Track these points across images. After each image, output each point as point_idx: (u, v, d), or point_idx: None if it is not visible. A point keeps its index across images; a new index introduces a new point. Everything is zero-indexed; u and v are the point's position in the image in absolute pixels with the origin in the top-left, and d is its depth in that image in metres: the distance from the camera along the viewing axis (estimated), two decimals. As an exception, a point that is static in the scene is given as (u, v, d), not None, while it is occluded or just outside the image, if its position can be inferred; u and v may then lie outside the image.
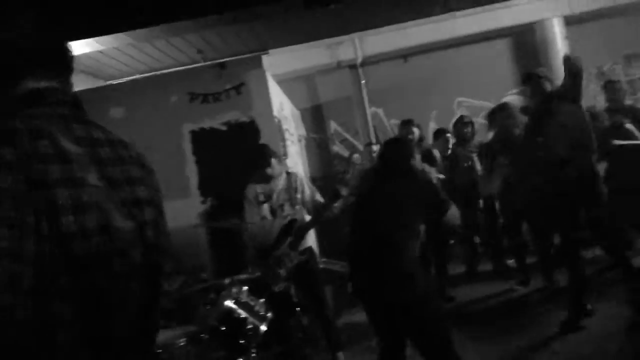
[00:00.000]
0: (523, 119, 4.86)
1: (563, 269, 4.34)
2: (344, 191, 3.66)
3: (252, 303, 3.32)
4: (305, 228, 3.77)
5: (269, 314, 3.32)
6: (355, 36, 7.39)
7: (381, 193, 2.88)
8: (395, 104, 7.66)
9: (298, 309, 3.55)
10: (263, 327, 3.22)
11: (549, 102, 4.02)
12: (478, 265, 5.90)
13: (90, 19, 4.16)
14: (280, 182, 3.92)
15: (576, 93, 3.94)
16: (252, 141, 4.76)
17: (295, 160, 5.82)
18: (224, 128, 4.97)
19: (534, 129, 4.14)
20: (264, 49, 6.28)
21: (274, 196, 3.90)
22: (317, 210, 3.82)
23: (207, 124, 4.96)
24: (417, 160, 3.12)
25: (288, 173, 4.03)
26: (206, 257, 4.73)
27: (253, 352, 3.11)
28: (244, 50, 6.27)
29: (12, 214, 0.86)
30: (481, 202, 5.56)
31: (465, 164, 5.38)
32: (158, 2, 4.33)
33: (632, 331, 3.63)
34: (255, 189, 3.94)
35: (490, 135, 5.24)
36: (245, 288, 3.41)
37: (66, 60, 1.14)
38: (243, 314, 3.20)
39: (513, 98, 7.45)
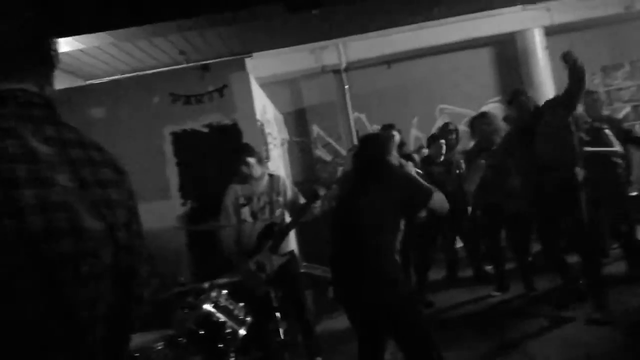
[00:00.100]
0: (503, 126, 4.95)
1: (543, 275, 4.43)
2: (322, 191, 3.61)
3: (231, 307, 3.29)
4: (285, 230, 3.73)
5: (248, 318, 3.30)
6: (340, 41, 7.43)
7: (360, 193, 2.82)
8: (378, 110, 7.71)
9: (278, 313, 3.53)
10: (242, 332, 3.20)
11: (536, 117, 4.11)
12: (457, 270, 5.96)
13: (71, 17, 4.11)
14: (262, 185, 3.89)
15: (576, 101, 4.11)
16: (234, 144, 4.74)
17: (278, 163, 5.81)
18: (205, 130, 4.94)
19: (519, 141, 4.21)
20: (248, 52, 6.28)
21: (255, 199, 3.87)
22: (295, 211, 3.79)
23: (189, 125, 4.93)
24: (395, 157, 3.05)
25: (270, 175, 4.00)
26: (185, 260, 4.70)
27: (232, 357, 3.09)
28: (227, 53, 6.26)
29: None
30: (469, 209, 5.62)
31: (458, 171, 5.44)
32: (141, 1, 4.30)
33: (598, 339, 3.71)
34: (236, 191, 3.91)
35: (472, 143, 5.32)
36: (224, 292, 3.38)
37: (46, 59, 1.13)
38: (222, 318, 3.17)
39: (494, 106, 7.58)
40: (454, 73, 7.90)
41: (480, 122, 4.92)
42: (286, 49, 7.09)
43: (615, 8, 7.38)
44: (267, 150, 5.13)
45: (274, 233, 3.69)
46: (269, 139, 5.51)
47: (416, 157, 5.52)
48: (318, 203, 3.69)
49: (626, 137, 5.12)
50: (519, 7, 7.29)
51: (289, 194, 3.90)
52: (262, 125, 5.19)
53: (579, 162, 4.11)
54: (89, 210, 1.01)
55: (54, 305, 0.93)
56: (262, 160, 4.00)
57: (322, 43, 7.28)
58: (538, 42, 7.58)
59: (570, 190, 4.03)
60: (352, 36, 7.14)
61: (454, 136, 5.62)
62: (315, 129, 8.01)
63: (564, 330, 3.96)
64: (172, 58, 6.16)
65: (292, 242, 3.94)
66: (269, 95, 6.34)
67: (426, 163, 5.44)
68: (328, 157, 7.94)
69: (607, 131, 4.95)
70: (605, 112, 6.00)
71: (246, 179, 3.87)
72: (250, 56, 6.19)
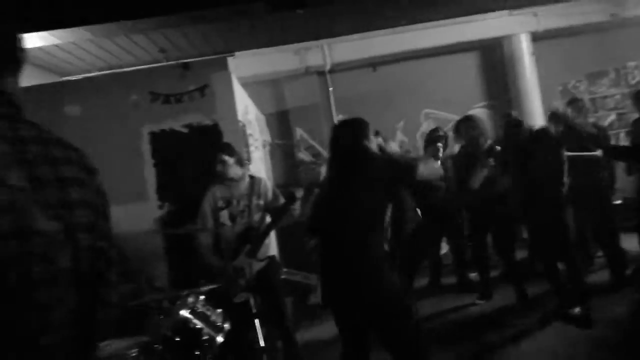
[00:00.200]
0: (489, 129, 5.03)
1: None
2: (300, 193, 3.60)
3: (208, 313, 3.28)
4: (262, 234, 3.70)
5: (226, 325, 3.29)
6: (324, 42, 7.45)
7: (342, 189, 2.71)
8: (363, 113, 7.53)
9: (257, 319, 3.52)
10: (219, 339, 3.18)
11: (532, 142, 4.40)
12: (440, 277, 6.00)
13: (46, 11, 4.07)
14: (242, 187, 3.87)
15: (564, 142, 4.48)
16: (214, 145, 4.73)
17: (259, 166, 5.80)
18: (185, 130, 4.92)
19: (513, 163, 4.49)
20: (230, 51, 6.27)
21: (234, 202, 3.84)
22: (272, 215, 3.76)
23: (168, 125, 4.90)
24: (374, 142, 2.84)
25: (251, 177, 3.98)
26: (162, 265, 4.66)
27: (208, 364, 3.07)
28: (209, 52, 6.24)
29: None
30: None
31: (439, 184, 5.48)
32: (120, -3, 4.27)
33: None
34: (215, 194, 3.88)
35: (457, 147, 5.37)
36: (201, 297, 3.36)
37: (12, 56, 1.11)
38: (199, 324, 3.15)
39: (479, 112, 7.67)
40: (440, 77, 7.98)
41: (466, 126, 4.97)
42: (269, 49, 7.09)
43: (601, 15, 7.53)
44: (248, 152, 5.12)
45: (252, 237, 3.67)
46: (251, 141, 5.50)
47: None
48: (296, 206, 3.67)
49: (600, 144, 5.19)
50: (505, 12, 7.39)
51: (270, 196, 3.88)
52: (243, 126, 5.18)
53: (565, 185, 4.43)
54: (43, 211, 0.99)
55: (5, 310, 0.92)
56: (243, 162, 3.97)
57: (307, 44, 7.30)
58: (525, 47, 7.70)
59: (554, 210, 4.38)
60: (337, 37, 7.17)
61: (443, 141, 5.67)
62: (298, 132, 8.01)
63: (545, 340, 4.01)
64: (152, 56, 6.12)
65: (272, 247, 3.93)
66: (251, 95, 6.33)
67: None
68: (311, 160, 7.95)
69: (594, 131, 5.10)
70: (591, 119, 6.11)
71: (225, 180, 3.84)
72: (232, 55, 6.18)
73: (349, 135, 2.79)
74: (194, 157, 4.78)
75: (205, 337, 3.11)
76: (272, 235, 3.93)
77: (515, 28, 7.65)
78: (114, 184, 4.82)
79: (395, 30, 7.20)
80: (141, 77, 5.19)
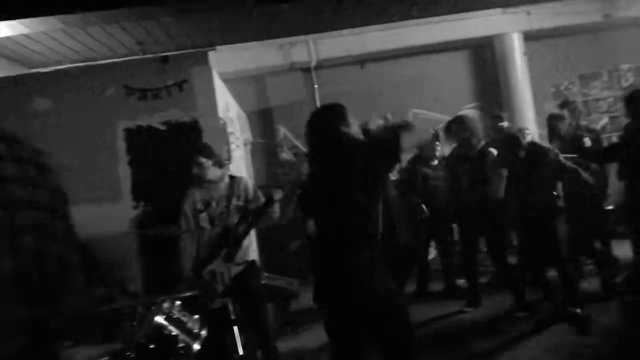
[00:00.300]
0: (481, 129, 5.07)
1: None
2: (278, 194, 3.57)
3: (184, 319, 3.24)
4: (240, 238, 3.68)
5: (203, 332, 3.26)
6: (310, 38, 7.46)
7: (327, 184, 2.63)
8: (349, 112, 7.73)
9: (235, 326, 3.50)
10: (196, 346, 3.15)
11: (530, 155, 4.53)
12: (428, 284, 6.02)
13: (16, -2, 4.01)
14: (221, 188, 3.84)
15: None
16: (193, 143, 4.69)
17: (240, 166, 5.77)
18: (162, 127, 4.88)
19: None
20: (211, 45, 6.24)
21: (213, 204, 3.82)
22: (249, 217, 3.72)
23: (144, 121, 4.85)
24: (355, 128, 2.72)
25: (232, 177, 3.96)
26: (136, 268, 4.61)
27: (184, 374, 3.04)
28: (188, 45, 6.21)
29: None
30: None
31: (438, 183, 5.53)
32: (95, -15, 4.22)
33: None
34: (194, 196, 3.86)
35: (447, 148, 5.42)
36: (177, 303, 3.33)
37: None
38: (174, 331, 3.12)
39: (469, 112, 7.73)
40: (429, 76, 8.03)
41: (458, 127, 4.99)
42: (253, 44, 7.08)
43: (594, 16, 7.66)
44: (228, 151, 5.10)
45: (230, 240, 3.65)
46: (231, 139, 5.47)
47: None
48: (276, 208, 3.65)
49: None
50: (498, 10, 7.47)
51: (251, 196, 3.84)
52: (224, 123, 5.15)
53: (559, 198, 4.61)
54: None
55: None
56: (221, 163, 3.93)
57: (291, 39, 7.30)
58: (517, 47, 7.79)
59: (549, 213, 4.49)
60: (323, 33, 7.17)
61: (438, 141, 5.72)
62: (282, 130, 8.00)
63: (535, 347, 4.06)
64: (128, 48, 6.07)
65: (252, 251, 3.90)
66: (232, 92, 6.31)
67: (414, 163, 5.55)
68: (293, 160, 7.95)
69: (586, 139, 5.16)
70: (583, 122, 6.21)
71: (202, 182, 3.81)
72: (213, 49, 6.14)
73: (325, 124, 2.69)
74: (171, 155, 4.74)
75: (181, 345, 3.07)
76: (253, 238, 3.91)
77: (508, 27, 7.74)
78: (86, 182, 4.81)
79: (384, 27, 7.23)
80: (116, 70, 5.13)
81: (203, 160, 3.76)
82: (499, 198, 4.70)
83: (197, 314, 3.33)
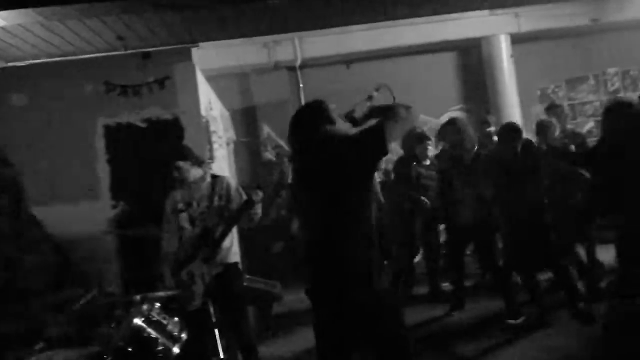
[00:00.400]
0: (473, 132, 5.14)
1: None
2: (257, 196, 3.56)
3: (164, 322, 3.23)
4: (219, 239, 3.66)
5: (183, 335, 3.25)
6: (296, 36, 7.46)
7: (310, 181, 2.60)
8: (335, 112, 7.74)
9: (216, 329, 3.49)
10: (176, 349, 3.14)
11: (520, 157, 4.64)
12: (413, 287, 6.06)
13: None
14: (202, 188, 3.83)
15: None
16: (174, 141, 4.67)
17: (222, 165, 5.76)
18: (143, 125, 4.85)
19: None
20: (194, 41, 6.21)
21: (194, 204, 3.81)
22: (227, 218, 3.71)
23: (124, 118, 4.83)
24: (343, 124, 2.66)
25: (213, 177, 3.94)
26: (114, 269, 4.58)
27: (163, 377, 3.03)
28: (171, 41, 6.17)
29: None
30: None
31: (430, 183, 5.58)
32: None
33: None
34: (175, 197, 3.84)
35: (439, 149, 5.50)
36: (157, 305, 3.32)
37: None
38: (153, 333, 3.11)
39: (455, 114, 7.78)
40: (415, 77, 8.07)
41: (451, 130, 5.05)
42: (237, 41, 7.05)
43: (581, 19, 7.76)
44: (211, 150, 5.08)
45: (209, 241, 3.64)
46: (214, 138, 5.46)
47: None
48: (257, 209, 3.65)
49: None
50: (486, 12, 7.54)
51: (233, 195, 3.82)
52: (206, 122, 5.14)
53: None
54: None
55: None
56: (201, 161, 3.90)
57: (276, 36, 7.30)
58: (504, 49, 7.87)
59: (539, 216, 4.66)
60: (309, 31, 7.18)
61: (428, 142, 5.77)
62: (265, 129, 8.00)
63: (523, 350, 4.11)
64: (109, 43, 6.01)
65: (234, 253, 3.89)
66: (215, 89, 6.29)
67: (407, 163, 5.60)
68: (276, 160, 7.94)
69: (572, 147, 5.23)
70: (569, 126, 6.30)
71: (184, 184, 3.80)
72: (196, 46, 6.10)
73: (307, 124, 2.64)
74: (151, 154, 4.71)
75: (160, 348, 3.06)
76: (235, 240, 3.90)
77: (495, 28, 7.82)
78: (64, 181, 4.76)
79: (370, 26, 7.26)
80: (96, 65, 5.09)
81: (180, 163, 3.75)
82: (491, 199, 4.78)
83: (178, 317, 3.32)
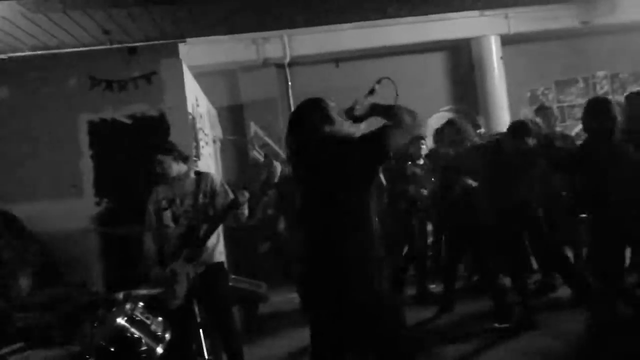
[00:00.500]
0: (471, 131, 5.19)
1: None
2: (243, 197, 3.56)
3: (148, 321, 3.22)
4: (203, 238, 3.64)
5: (167, 335, 3.24)
6: (285, 33, 7.45)
7: (310, 185, 2.58)
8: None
9: (201, 330, 3.48)
10: (159, 350, 3.13)
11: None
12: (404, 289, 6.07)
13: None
14: (186, 185, 3.81)
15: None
16: (160, 138, 4.65)
17: (209, 163, 5.75)
18: (128, 121, 4.84)
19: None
20: (182, 37, 6.17)
21: (177, 201, 3.78)
22: (212, 218, 3.70)
23: (108, 114, 4.82)
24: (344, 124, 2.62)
25: (198, 173, 3.92)
26: (97, 267, 4.55)
27: (146, 378, 3.02)
28: (158, 36, 6.12)
29: None
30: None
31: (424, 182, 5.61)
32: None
33: None
34: (158, 194, 3.82)
35: (433, 149, 5.55)
36: (140, 304, 3.30)
37: None
38: (137, 333, 3.10)
39: (445, 115, 7.82)
40: (405, 77, 8.00)
41: (450, 132, 5.11)
42: (225, 37, 7.02)
43: (571, 22, 7.85)
44: (197, 148, 5.08)
45: (193, 240, 3.63)
46: (200, 135, 5.45)
47: None
48: (244, 209, 3.64)
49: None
50: (476, 12, 7.59)
51: (218, 193, 3.80)
52: (193, 119, 5.13)
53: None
54: None
55: None
56: (184, 156, 3.87)
57: (265, 33, 7.28)
58: (494, 50, 7.93)
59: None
60: (299, 28, 7.18)
61: (422, 141, 5.81)
62: (253, 128, 7.98)
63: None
64: (94, 37, 5.94)
65: (219, 253, 3.88)
66: (202, 86, 6.28)
67: (401, 161, 5.62)
68: (264, 160, 7.93)
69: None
70: (558, 128, 6.37)
71: (166, 179, 3.78)
72: (184, 41, 6.08)
73: (306, 124, 2.59)
74: (136, 151, 4.70)
75: (143, 348, 3.05)
76: (220, 239, 3.89)
77: (486, 29, 7.88)
78: (46, 177, 4.73)
79: (360, 25, 7.28)
80: (81, 59, 5.06)
81: (162, 157, 3.72)
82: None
83: (162, 316, 3.31)
